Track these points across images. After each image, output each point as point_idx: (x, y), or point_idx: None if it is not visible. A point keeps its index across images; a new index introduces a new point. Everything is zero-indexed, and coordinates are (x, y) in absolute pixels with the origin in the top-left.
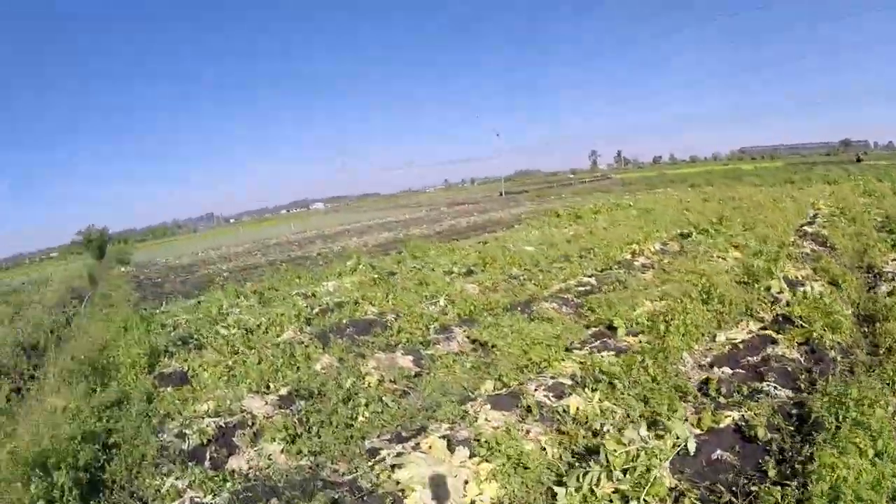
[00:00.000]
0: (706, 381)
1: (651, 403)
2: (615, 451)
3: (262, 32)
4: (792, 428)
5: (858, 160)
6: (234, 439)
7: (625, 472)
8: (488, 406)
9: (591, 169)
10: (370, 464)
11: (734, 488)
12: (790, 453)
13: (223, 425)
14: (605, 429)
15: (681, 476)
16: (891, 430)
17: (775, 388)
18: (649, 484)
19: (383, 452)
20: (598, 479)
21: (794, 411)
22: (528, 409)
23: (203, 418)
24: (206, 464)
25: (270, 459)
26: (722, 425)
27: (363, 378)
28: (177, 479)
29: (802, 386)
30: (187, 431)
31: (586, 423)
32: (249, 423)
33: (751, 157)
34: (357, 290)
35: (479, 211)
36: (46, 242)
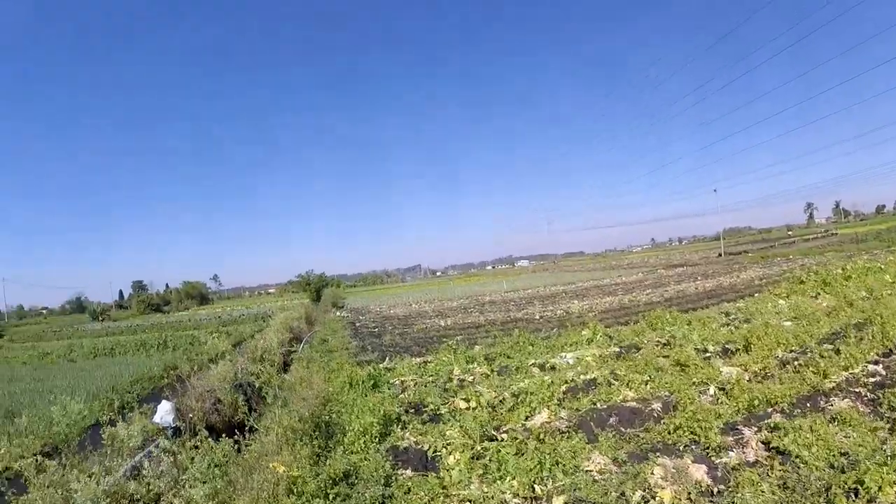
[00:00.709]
0: None
1: None
2: None
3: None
4: None
5: None
6: None
7: None
8: None
9: (807, 224)
10: None
11: None
12: None
13: None
14: None
15: None
16: None
17: None
18: None
19: None
20: None
21: None
22: None
23: None
24: None
25: None
26: None
27: (652, 492)
28: None
29: None
30: None
31: None
32: None
33: None
34: (602, 366)
35: (703, 275)
36: (265, 279)
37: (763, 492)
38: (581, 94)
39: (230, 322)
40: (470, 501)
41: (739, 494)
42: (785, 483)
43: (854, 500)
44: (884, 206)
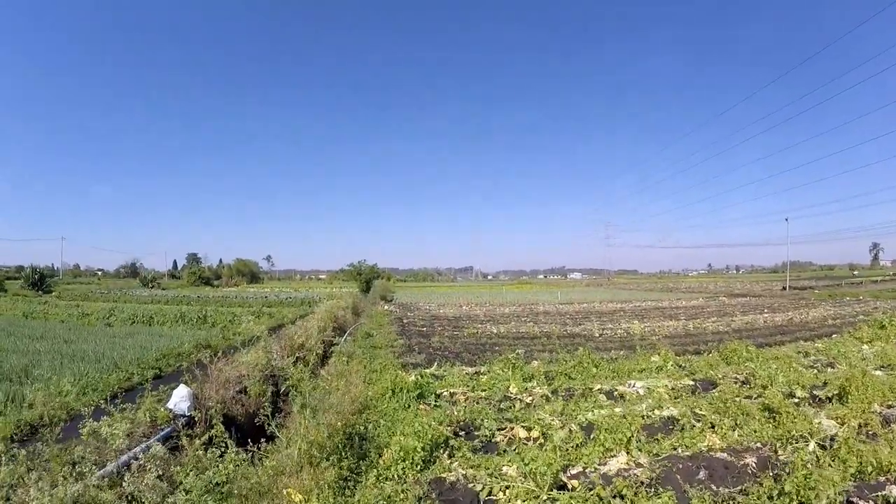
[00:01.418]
0: None
1: None
2: None
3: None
4: None
5: None
6: None
7: None
8: None
9: (871, 264)
10: None
11: None
12: None
13: None
14: None
15: None
16: None
17: None
18: None
19: None
20: None
21: None
22: None
23: None
24: None
25: None
26: None
27: None
28: None
29: None
30: None
31: None
32: None
33: None
34: (676, 401)
35: (769, 308)
36: (317, 264)
37: None
38: (650, 113)
39: (275, 303)
40: None
41: None
42: None
43: None
44: None
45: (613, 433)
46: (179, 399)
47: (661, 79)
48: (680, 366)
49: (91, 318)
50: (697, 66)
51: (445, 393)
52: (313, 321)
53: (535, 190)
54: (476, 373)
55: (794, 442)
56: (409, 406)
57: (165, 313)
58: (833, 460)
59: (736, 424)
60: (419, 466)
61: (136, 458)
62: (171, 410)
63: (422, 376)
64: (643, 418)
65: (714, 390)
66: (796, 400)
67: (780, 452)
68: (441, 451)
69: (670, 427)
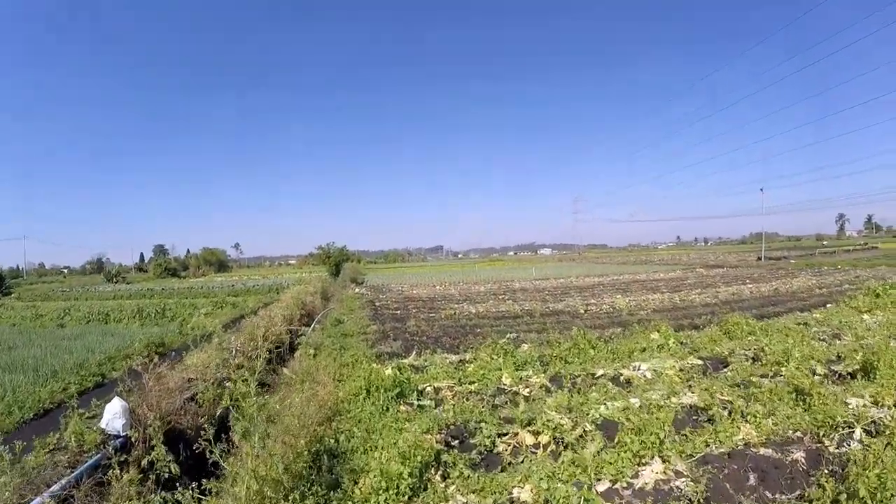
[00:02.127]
0: None
1: None
2: None
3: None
4: None
5: None
6: None
7: None
8: None
9: (838, 235)
10: None
11: None
12: None
13: None
14: None
15: None
16: None
17: None
18: None
19: None
20: None
21: None
22: None
23: None
24: None
25: None
26: None
27: None
28: None
29: None
30: None
31: None
32: None
33: None
34: (688, 384)
35: (751, 278)
36: (287, 250)
37: None
38: (618, 86)
39: (241, 292)
40: None
41: None
42: None
43: None
44: None
45: (640, 433)
46: (112, 416)
47: (632, 52)
48: (682, 343)
49: (45, 319)
50: (671, 40)
51: (429, 389)
52: (276, 310)
53: (502, 166)
54: (461, 361)
55: (838, 429)
56: (388, 409)
57: (124, 309)
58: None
59: (768, 411)
60: (406, 496)
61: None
62: (104, 429)
63: (400, 370)
64: (662, 409)
65: (726, 370)
66: (818, 377)
67: (826, 443)
68: (432, 472)
69: (695, 418)
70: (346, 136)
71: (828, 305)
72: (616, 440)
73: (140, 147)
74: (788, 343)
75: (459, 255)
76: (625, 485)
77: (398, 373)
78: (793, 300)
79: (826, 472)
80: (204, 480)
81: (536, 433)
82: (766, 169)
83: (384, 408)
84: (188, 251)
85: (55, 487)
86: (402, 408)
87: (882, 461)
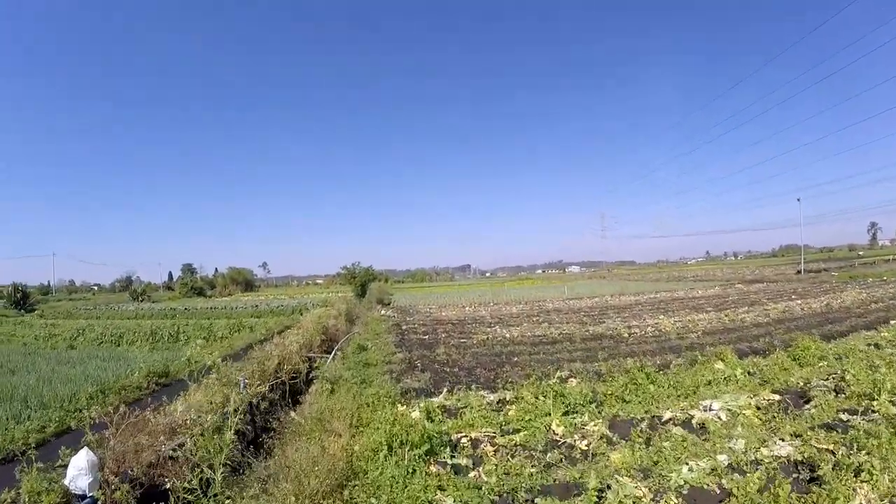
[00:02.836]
0: None
1: None
2: None
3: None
4: None
5: None
6: None
7: None
8: None
9: (870, 244)
10: None
11: None
12: None
13: None
14: None
15: None
16: None
17: None
18: None
19: None
20: None
21: None
22: None
23: None
24: None
25: None
26: None
27: None
28: None
29: None
30: None
31: None
32: None
33: None
34: (769, 426)
35: (796, 294)
36: (315, 269)
37: None
38: (643, 105)
39: (265, 312)
40: None
41: None
42: None
43: None
44: None
45: None
46: (77, 472)
47: (655, 69)
48: (749, 373)
49: (58, 338)
50: (693, 52)
51: (464, 440)
52: (292, 337)
53: (528, 184)
54: (500, 402)
55: None
56: (416, 471)
57: (140, 330)
58: None
59: (882, 464)
60: None
61: None
62: (67, 489)
63: (429, 413)
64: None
65: (808, 406)
66: None
67: None
68: None
69: (796, 475)
70: (374, 157)
71: (892, 322)
72: None
73: (173, 167)
74: (880, 372)
75: (487, 274)
76: None
77: (427, 418)
78: (850, 316)
79: None
80: None
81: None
82: (794, 179)
83: (410, 470)
84: (216, 270)
85: None
86: (433, 468)
87: None
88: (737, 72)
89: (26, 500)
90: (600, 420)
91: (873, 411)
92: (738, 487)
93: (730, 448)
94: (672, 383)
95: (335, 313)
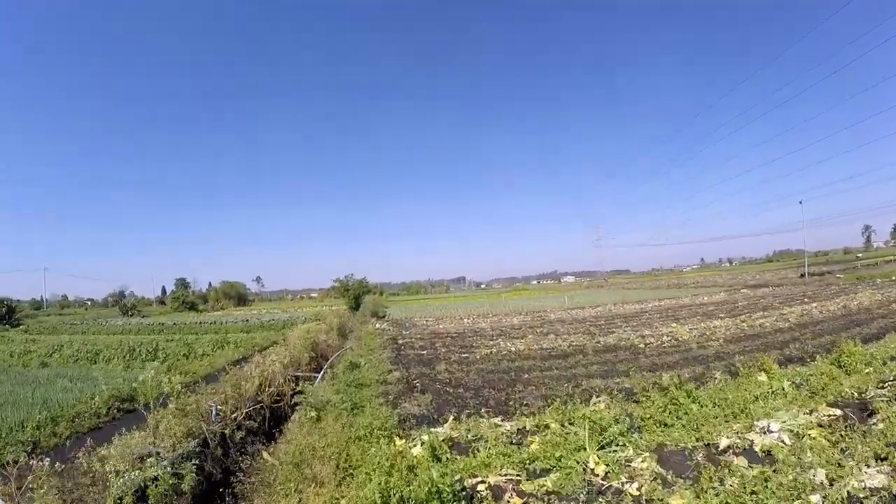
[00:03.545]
0: None
1: None
2: None
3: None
4: None
5: None
6: None
7: None
8: None
9: (865, 247)
10: None
11: None
12: None
13: None
14: None
15: None
16: None
17: None
18: None
19: None
20: None
21: None
22: None
23: None
24: None
25: None
26: None
27: None
28: None
29: None
30: None
31: None
32: None
33: None
34: (838, 447)
35: (808, 297)
36: (309, 283)
37: None
38: (631, 111)
39: (255, 327)
40: None
41: None
42: None
43: None
44: None
45: None
46: None
47: (645, 79)
48: (796, 384)
49: (33, 355)
50: (683, 65)
51: (481, 487)
52: (275, 356)
53: (521, 196)
54: (519, 432)
55: None
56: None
57: (121, 346)
58: None
59: None
60: None
61: None
62: None
63: (434, 452)
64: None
65: (873, 420)
66: None
67: None
68: None
69: None
70: (368, 170)
71: None
72: None
73: (169, 181)
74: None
75: (482, 286)
76: None
77: (432, 456)
78: (875, 318)
79: None
80: None
81: None
82: (787, 185)
83: None
84: (210, 284)
85: None
86: None
87: None
88: (734, 75)
89: None
90: (647, 453)
91: None
92: None
93: (810, 481)
94: (715, 401)
95: (326, 328)
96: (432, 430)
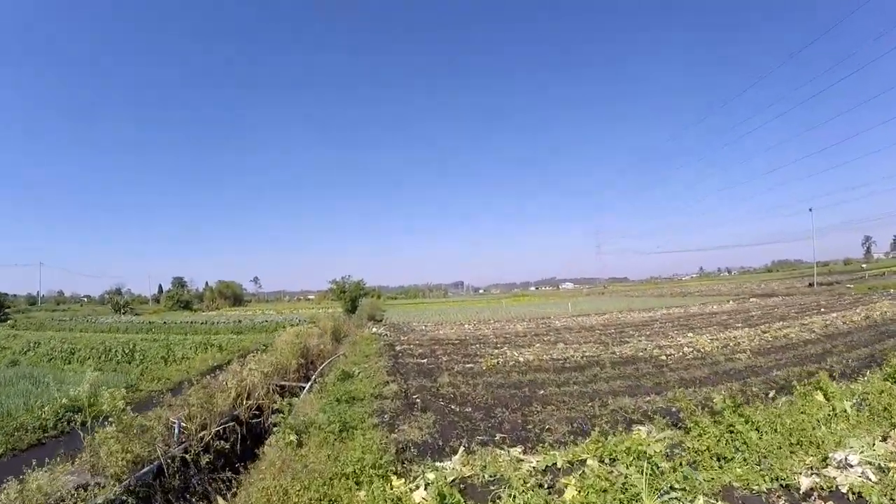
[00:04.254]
0: None
1: None
2: None
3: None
4: None
5: None
6: None
7: None
8: None
9: (865, 258)
10: None
11: None
12: None
13: None
14: None
15: None
16: None
17: None
18: None
19: None
20: None
21: None
22: None
23: None
24: None
25: None
26: None
27: None
28: None
29: None
30: None
31: None
32: None
33: None
34: None
35: (824, 307)
36: (307, 285)
37: None
38: (634, 121)
39: (248, 328)
40: None
41: None
42: None
43: None
44: None
45: None
46: None
47: (648, 84)
48: (856, 405)
49: (6, 352)
50: (687, 69)
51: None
52: (252, 364)
53: (521, 201)
54: (548, 470)
55: None
56: None
57: (97, 346)
58: None
59: None
60: None
61: None
62: None
63: (443, 500)
64: None
65: None
66: None
67: None
68: None
69: None
70: (368, 173)
71: None
72: None
73: (168, 180)
74: None
75: (481, 291)
76: None
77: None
78: None
79: None
80: None
81: None
82: (788, 194)
83: None
84: (206, 283)
85: None
86: None
87: None
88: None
89: None
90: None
91: None
92: None
93: None
94: (774, 426)
95: (318, 331)
96: (438, 464)
